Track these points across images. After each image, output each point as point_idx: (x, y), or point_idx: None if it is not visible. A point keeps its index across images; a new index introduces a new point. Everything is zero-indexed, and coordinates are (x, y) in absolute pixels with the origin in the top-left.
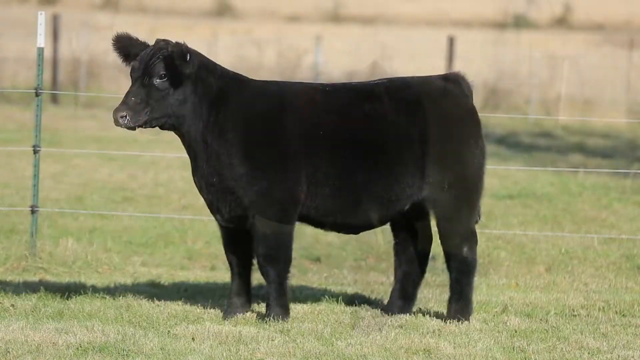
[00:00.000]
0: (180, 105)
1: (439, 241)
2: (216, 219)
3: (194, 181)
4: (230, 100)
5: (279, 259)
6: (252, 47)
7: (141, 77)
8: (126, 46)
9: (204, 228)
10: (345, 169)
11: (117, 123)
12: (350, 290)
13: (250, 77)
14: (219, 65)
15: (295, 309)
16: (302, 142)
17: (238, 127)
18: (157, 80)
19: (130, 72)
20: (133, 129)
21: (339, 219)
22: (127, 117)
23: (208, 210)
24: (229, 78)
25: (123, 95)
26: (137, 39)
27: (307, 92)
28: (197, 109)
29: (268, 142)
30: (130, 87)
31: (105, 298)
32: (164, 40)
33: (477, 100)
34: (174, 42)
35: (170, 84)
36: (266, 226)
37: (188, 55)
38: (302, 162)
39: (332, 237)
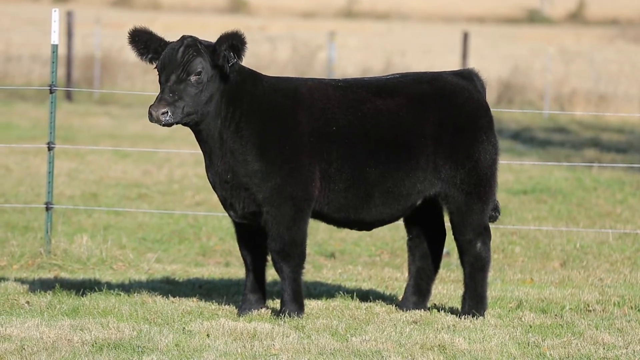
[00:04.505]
0: (207, 102)
1: (453, 237)
2: (230, 215)
3: (208, 177)
4: (245, 96)
5: (293, 255)
6: (266, 44)
7: (177, 73)
8: (145, 40)
9: (218, 224)
10: (358, 165)
11: (157, 120)
12: (364, 286)
13: (264, 73)
14: None
15: (310, 305)
16: (316, 137)
17: (253, 123)
18: (194, 77)
19: (160, 68)
20: (171, 125)
21: (352, 215)
22: (169, 114)
23: (222, 207)
24: (245, 74)
25: (135, 93)
26: (156, 34)
27: (321, 87)
28: (217, 106)
29: (282, 138)
30: (166, 83)
31: (120, 295)
32: (190, 36)
33: (492, 96)
34: (238, 31)
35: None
36: (280, 222)
37: (245, 48)
38: (315, 158)
39: (346, 233)
